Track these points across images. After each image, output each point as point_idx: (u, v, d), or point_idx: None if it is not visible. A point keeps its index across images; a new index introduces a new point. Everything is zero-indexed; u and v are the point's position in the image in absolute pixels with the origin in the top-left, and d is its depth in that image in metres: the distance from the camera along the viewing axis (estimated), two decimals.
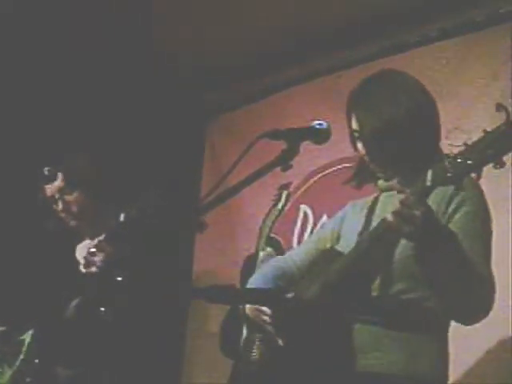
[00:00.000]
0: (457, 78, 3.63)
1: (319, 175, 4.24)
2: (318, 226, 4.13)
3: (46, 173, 3.28)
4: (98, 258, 2.98)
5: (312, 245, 2.53)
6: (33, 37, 4.05)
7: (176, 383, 4.53)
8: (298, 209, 4.29)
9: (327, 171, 4.19)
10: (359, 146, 2.30)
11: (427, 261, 1.99)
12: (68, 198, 3.25)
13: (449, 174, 1.81)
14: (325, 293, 2.19)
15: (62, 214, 3.27)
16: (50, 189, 3.27)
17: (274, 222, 4.01)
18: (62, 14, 4.01)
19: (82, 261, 3.08)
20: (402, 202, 1.90)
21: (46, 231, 3.47)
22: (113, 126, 4.37)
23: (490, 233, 2.20)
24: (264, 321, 2.29)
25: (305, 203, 4.28)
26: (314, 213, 4.21)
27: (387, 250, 2.12)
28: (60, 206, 3.25)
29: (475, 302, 2.08)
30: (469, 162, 1.78)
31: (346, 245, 2.31)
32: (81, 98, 4.28)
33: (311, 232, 4.17)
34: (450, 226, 2.12)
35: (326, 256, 2.35)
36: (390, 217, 1.93)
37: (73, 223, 3.26)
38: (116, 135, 4.33)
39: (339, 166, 4.07)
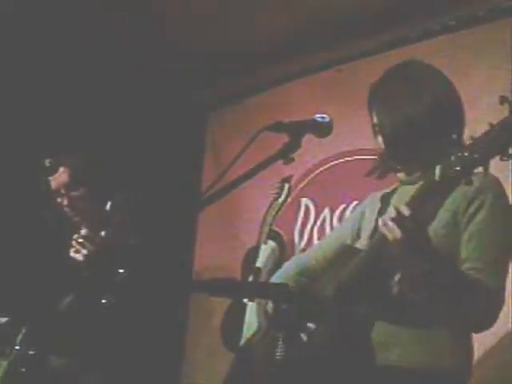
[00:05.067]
0: (458, 72, 3.62)
1: (321, 169, 4.23)
2: (320, 219, 4.14)
3: (48, 164, 3.28)
4: (86, 248, 3.00)
5: (334, 240, 2.52)
6: (33, 36, 4.05)
7: (176, 376, 4.55)
8: (299, 202, 4.29)
9: (329, 164, 4.19)
10: (379, 139, 2.28)
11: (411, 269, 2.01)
12: (74, 194, 3.25)
13: (457, 168, 1.81)
14: (340, 292, 2.18)
15: (67, 209, 3.27)
16: (56, 182, 3.27)
17: (275, 216, 4.01)
18: (61, 13, 4.01)
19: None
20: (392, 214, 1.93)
21: (43, 223, 3.47)
22: (113, 121, 4.37)
23: (507, 238, 2.15)
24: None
25: (306, 197, 4.28)
26: (315, 206, 4.21)
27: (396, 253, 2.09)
28: (65, 201, 3.25)
29: (474, 311, 2.06)
30: (475, 155, 1.78)
31: (365, 242, 2.31)
32: (81, 92, 4.28)
33: (313, 225, 4.18)
34: (468, 230, 2.12)
35: (345, 253, 2.33)
36: (380, 224, 1.96)
37: (77, 219, 3.26)
38: (116, 130, 4.33)
39: (341, 160, 4.07)
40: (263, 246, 3.99)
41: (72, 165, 3.25)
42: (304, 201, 4.28)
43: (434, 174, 1.86)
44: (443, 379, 2.10)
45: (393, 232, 1.93)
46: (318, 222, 4.14)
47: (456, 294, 2.01)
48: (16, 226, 4.01)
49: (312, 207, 4.22)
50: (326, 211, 4.09)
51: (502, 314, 3.10)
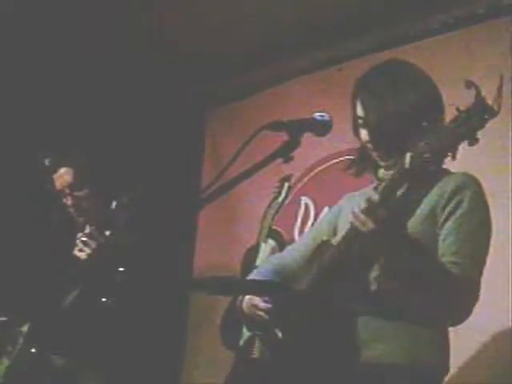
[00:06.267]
0: (457, 70, 3.63)
1: (320, 167, 4.24)
2: (319, 218, 4.13)
3: (47, 163, 3.29)
4: (89, 246, 3.00)
5: (310, 239, 2.53)
6: (33, 36, 4.05)
7: (176, 375, 4.55)
8: (299, 201, 4.29)
9: (328, 163, 4.19)
10: (362, 132, 2.30)
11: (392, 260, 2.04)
12: (78, 194, 3.26)
13: (426, 155, 1.86)
14: (317, 283, 2.20)
15: (71, 209, 3.28)
16: (60, 182, 3.28)
17: (275, 215, 4.01)
18: (61, 13, 4.01)
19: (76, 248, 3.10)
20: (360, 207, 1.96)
21: (47, 221, 3.48)
22: (113, 121, 4.37)
23: (484, 235, 2.19)
24: (260, 316, 2.29)
25: (306, 195, 4.28)
26: (315, 205, 4.21)
27: (370, 245, 2.11)
28: (70, 201, 3.26)
29: (450, 303, 2.08)
30: (444, 142, 1.83)
31: None
32: (81, 93, 4.29)
33: (312, 224, 4.17)
34: (445, 226, 2.14)
35: (320, 249, 2.35)
36: (351, 218, 1.99)
37: (80, 219, 3.27)
38: (116, 130, 4.33)
39: (340, 158, 4.07)
40: (263, 245, 3.99)
41: (76, 165, 3.26)
42: (304, 199, 4.28)
43: (403, 162, 1.90)
44: (422, 375, 2.13)
45: (365, 223, 1.95)
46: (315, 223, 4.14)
47: (432, 285, 2.03)
48: (20, 224, 4.01)
49: (312, 206, 4.23)
50: (326, 210, 4.09)
51: (501, 314, 3.13)
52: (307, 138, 2.08)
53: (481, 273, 2.14)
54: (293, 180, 4.09)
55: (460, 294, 2.06)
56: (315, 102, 4.08)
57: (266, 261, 2.63)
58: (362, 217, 1.95)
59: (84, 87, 4.29)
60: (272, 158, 2.02)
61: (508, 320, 3.14)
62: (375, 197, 1.96)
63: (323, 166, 4.23)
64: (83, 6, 4.00)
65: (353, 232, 2.09)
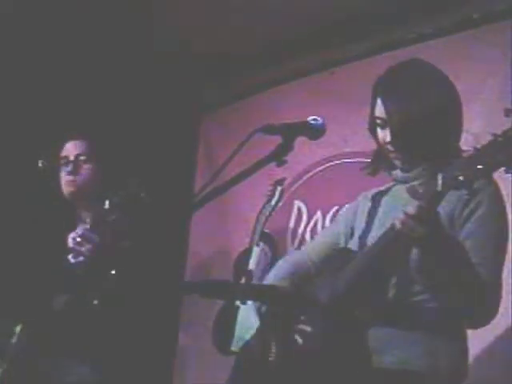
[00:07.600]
0: (453, 75, 3.62)
1: (313, 171, 4.24)
2: (313, 221, 4.13)
3: (40, 165, 3.27)
4: (84, 248, 2.97)
5: (327, 239, 2.51)
6: (34, 36, 4.05)
7: (168, 376, 4.55)
8: (291, 204, 4.29)
9: (321, 167, 4.19)
10: (380, 133, 2.27)
11: (429, 265, 2.02)
12: (82, 164, 3.24)
13: (460, 179, 1.80)
14: (336, 299, 2.18)
15: (69, 177, 3.23)
16: (67, 149, 3.26)
17: (267, 218, 4.01)
18: (61, 12, 4.01)
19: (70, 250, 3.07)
20: (407, 213, 1.91)
21: (39, 222, 3.46)
22: (109, 119, 4.36)
23: (503, 237, 2.19)
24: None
25: (299, 199, 4.28)
26: (307, 209, 4.21)
27: (400, 254, 2.10)
28: (70, 167, 3.22)
29: (477, 306, 2.08)
30: (479, 166, 1.77)
31: (358, 241, 2.32)
32: (79, 92, 4.28)
33: (305, 227, 4.18)
34: (464, 229, 2.14)
35: (341, 255, 2.33)
36: (398, 224, 1.94)
37: (73, 189, 3.23)
38: (112, 128, 4.33)
39: (334, 162, 4.08)
40: (255, 248, 3.99)
41: (90, 141, 3.26)
42: (296, 203, 4.28)
43: (435, 183, 1.86)
44: (439, 381, 2.11)
45: (416, 229, 1.91)
46: (311, 224, 4.14)
47: (465, 287, 2.02)
48: (10, 224, 4.00)
49: (304, 209, 4.23)
50: (319, 213, 4.09)
51: (501, 314, 3.13)
52: (300, 141, 2.08)
53: (501, 273, 2.15)
54: (286, 183, 4.09)
55: (484, 295, 2.07)
56: (308, 107, 4.08)
57: (282, 260, 2.62)
58: (411, 222, 1.91)
59: (83, 90, 4.28)
60: (265, 161, 2.02)
61: (508, 320, 3.14)
62: (423, 203, 1.91)
63: (316, 170, 4.23)
64: (82, 6, 4.00)
65: (379, 242, 2.09)
